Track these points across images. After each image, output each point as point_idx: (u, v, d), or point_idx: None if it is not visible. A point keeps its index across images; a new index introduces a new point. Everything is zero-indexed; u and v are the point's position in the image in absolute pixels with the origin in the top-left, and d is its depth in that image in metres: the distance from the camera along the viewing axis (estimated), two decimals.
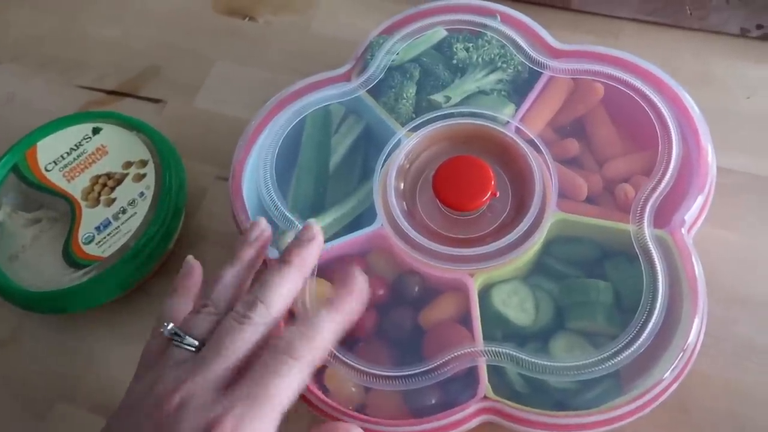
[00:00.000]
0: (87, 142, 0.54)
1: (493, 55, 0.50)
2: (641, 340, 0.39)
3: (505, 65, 0.50)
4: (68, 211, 0.52)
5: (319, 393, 0.41)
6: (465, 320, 0.43)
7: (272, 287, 0.36)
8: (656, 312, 0.40)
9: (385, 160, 0.47)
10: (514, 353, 0.40)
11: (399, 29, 0.52)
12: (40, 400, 0.50)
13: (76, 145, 0.54)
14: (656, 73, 0.47)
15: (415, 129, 0.48)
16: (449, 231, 0.46)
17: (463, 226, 0.46)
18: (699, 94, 0.47)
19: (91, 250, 0.50)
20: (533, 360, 0.40)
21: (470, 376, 0.41)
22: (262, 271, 0.39)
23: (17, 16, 0.69)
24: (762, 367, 0.45)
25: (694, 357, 0.41)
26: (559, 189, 0.45)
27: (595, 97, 0.49)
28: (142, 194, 0.51)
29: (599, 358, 0.39)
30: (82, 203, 0.52)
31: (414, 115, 0.49)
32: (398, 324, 0.44)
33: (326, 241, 0.46)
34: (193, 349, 0.35)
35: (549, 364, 0.40)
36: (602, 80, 0.48)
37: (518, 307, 0.43)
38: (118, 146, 0.54)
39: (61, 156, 0.54)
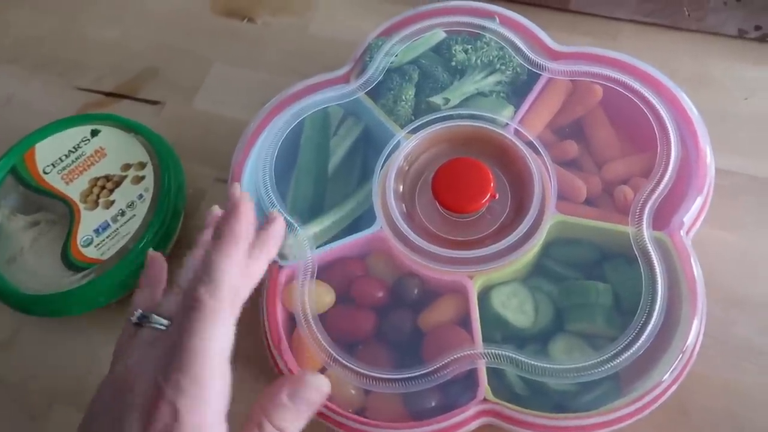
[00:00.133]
0: (85, 144, 0.54)
1: (491, 57, 0.50)
2: (640, 341, 0.39)
3: (503, 67, 0.50)
4: (67, 213, 0.51)
5: None
6: (464, 322, 0.43)
7: (217, 263, 0.34)
8: (655, 314, 0.40)
9: (384, 162, 0.47)
10: (514, 355, 0.40)
11: (398, 31, 0.52)
12: (38, 402, 0.50)
13: (74, 148, 0.54)
14: (655, 74, 0.48)
15: (414, 131, 0.48)
16: (448, 233, 0.46)
17: (462, 228, 0.46)
18: (697, 96, 0.47)
19: (90, 252, 0.50)
20: (533, 362, 0.40)
21: (470, 378, 0.41)
22: None
23: (16, 17, 0.69)
24: (761, 368, 0.45)
25: (693, 358, 0.41)
26: (558, 191, 0.45)
27: (594, 99, 0.49)
28: (140, 196, 0.51)
29: (599, 360, 0.39)
30: (81, 206, 0.52)
31: (413, 117, 0.49)
32: (398, 326, 0.44)
33: (325, 243, 0.46)
34: (164, 327, 0.35)
35: (548, 366, 0.40)
36: (601, 82, 0.48)
37: (517, 309, 0.43)
38: (116, 148, 0.54)
39: (60, 158, 0.54)
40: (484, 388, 0.40)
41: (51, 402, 0.49)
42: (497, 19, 0.51)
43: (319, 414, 0.41)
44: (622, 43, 0.58)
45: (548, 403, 0.41)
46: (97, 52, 0.65)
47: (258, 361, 0.45)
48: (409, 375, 0.40)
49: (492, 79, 0.50)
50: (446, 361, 0.40)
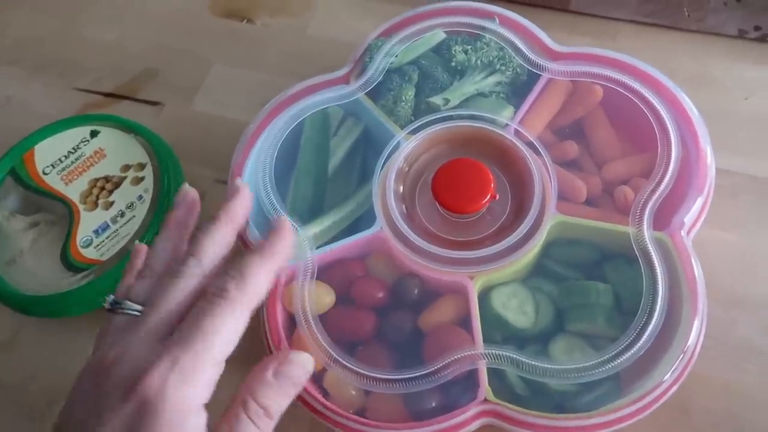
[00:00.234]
0: (85, 145, 0.54)
1: (491, 58, 0.50)
2: (641, 342, 0.39)
3: (503, 67, 0.50)
4: (66, 214, 0.51)
5: (319, 396, 0.41)
6: (465, 323, 0.43)
7: (200, 240, 0.36)
8: (656, 314, 0.40)
9: (384, 163, 0.47)
10: (514, 356, 0.40)
11: (397, 32, 0.52)
12: (37, 403, 0.50)
13: (74, 148, 0.54)
14: (655, 75, 0.48)
15: (414, 131, 0.48)
16: (449, 234, 0.46)
17: (462, 228, 0.46)
18: (697, 96, 0.47)
19: (90, 253, 0.50)
20: (533, 362, 0.40)
21: (470, 378, 0.41)
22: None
23: (15, 17, 0.69)
24: (761, 368, 0.45)
25: (694, 359, 0.41)
26: (558, 191, 0.45)
27: (594, 99, 0.49)
28: (140, 197, 0.51)
29: (599, 360, 0.39)
30: (80, 206, 0.52)
31: (413, 118, 0.49)
32: (398, 327, 0.44)
33: (325, 244, 0.46)
34: (137, 312, 0.35)
35: (549, 366, 0.40)
36: (601, 82, 0.48)
37: (518, 309, 0.43)
38: (116, 149, 0.54)
39: (59, 159, 0.54)
40: (485, 388, 0.40)
41: (50, 403, 0.49)
42: (497, 19, 0.51)
43: (320, 414, 0.41)
44: (622, 44, 0.58)
45: (549, 404, 0.41)
46: (97, 53, 0.65)
47: (258, 361, 0.44)
48: (410, 375, 0.40)
49: (492, 79, 0.50)
50: (447, 361, 0.40)
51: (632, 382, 0.40)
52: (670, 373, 0.40)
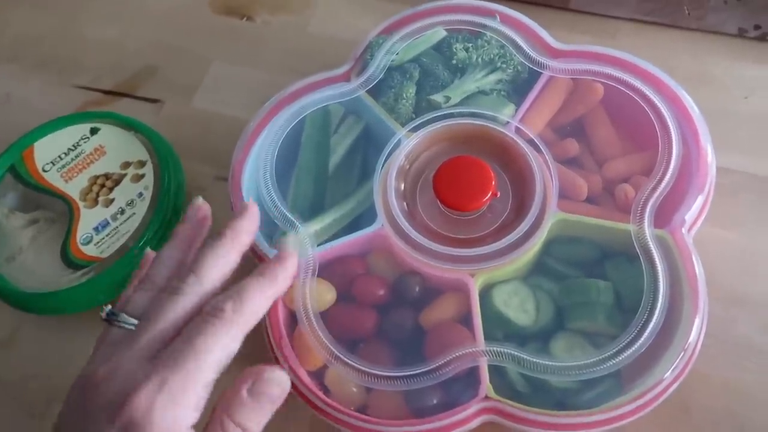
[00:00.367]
0: (85, 142, 0.54)
1: (492, 56, 0.50)
2: (642, 339, 0.39)
3: (504, 65, 0.50)
4: (66, 211, 0.51)
5: (320, 393, 0.41)
6: (466, 320, 0.43)
7: (203, 258, 0.35)
8: (657, 312, 0.40)
9: (385, 161, 0.47)
10: (515, 353, 0.40)
11: (398, 29, 0.52)
12: (37, 400, 0.49)
13: (73, 146, 0.54)
14: (656, 73, 0.48)
15: (415, 129, 0.48)
16: (450, 231, 0.46)
17: (463, 226, 0.46)
18: (697, 94, 0.47)
19: (90, 250, 0.50)
20: (534, 360, 0.40)
21: (471, 376, 0.41)
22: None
23: (15, 15, 0.69)
24: (761, 366, 0.45)
25: (694, 357, 0.41)
26: (559, 189, 0.45)
27: (595, 98, 0.49)
28: (140, 195, 0.51)
29: (600, 357, 0.39)
30: (80, 204, 0.51)
31: (414, 116, 0.49)
32: (399, 324, 0.44)
33: (326, 241, 0.46)
34: (132, 327, 0.34)
35: (550, 363, 0.40)
36: (602, 80, 0.48)
37: (519, 307, 0.43)
38: (116, 146, 0.54)
39: (59, 156, 0.53)
40: (486, 385, 0.40)
41: (50, 400, 0.49)
42: (498, 17, 0.51)
43: (321, 411, 0.41)
44: (622, 42, 0.58)
45: (550, 401, 0.41)
46: (96, 51, 0.65)
47: (259, 359, 0.44)
48: (411, 373, 0.40)
49: (493, 77, 0.50)
50: (448, 358, 0.40)
51: (633, 379, 0.40)
52: (670, 371, 0.40)
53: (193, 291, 0.34)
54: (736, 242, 0.49)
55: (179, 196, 0.52)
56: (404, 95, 0.49)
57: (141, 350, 0.32)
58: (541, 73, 0.49)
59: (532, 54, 0.49)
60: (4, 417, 0.49)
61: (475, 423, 0.41)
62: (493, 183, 0.44)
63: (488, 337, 0.42)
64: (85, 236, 0.50)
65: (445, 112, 0.48)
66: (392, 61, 0.51)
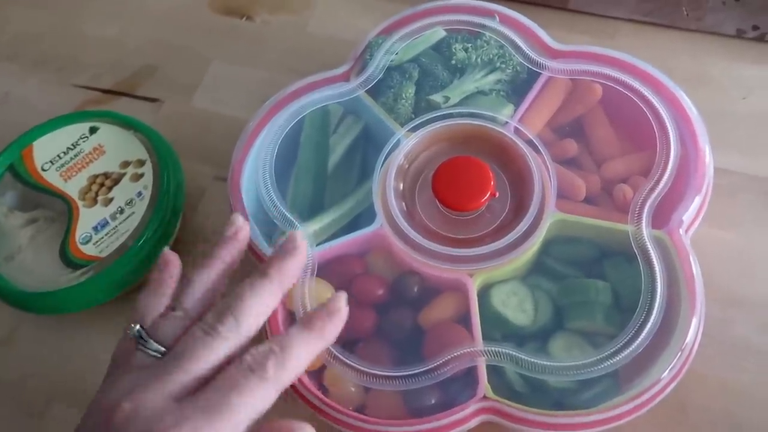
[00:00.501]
0: (84, 141, 0.54)
1: (491, 56, 0.50)
2: (640, 339, 0.39)
3: (503, 66, 0.50)
4: (65, 210, 0.51)
5: (319, 393, 0.41)
6: (464, 320, 0.43)
7: (245, 300, 0.34)
8: (654, 312, 0.40)
9: (384, 160, 0.47)
10: (514, 353, 0.40)
11: (398, 29, 0.52)
12: (36, 400, 0.49)
13: (73, 145, 0.54)
14: (654, 74, 0.48)
15: (414, 129, 0.48)
16: (448, 231, 0.46)
17: (462, 226, 0.46)
18: (695, 95, 0.47)
19: (89, 250, 0.50)
20: (532, 360, 0.40)
21: (470, 376, 0.41)
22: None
23: (14, 13, 0.69)
24: (758, 367, 0.45)
25: (691, 357, 0.41)
26: (557, 189, 0.45)
27: (594, 98, 0.49)
28: (139, 194, 0.51)
29: (598, 357, 0.39)
30: (80, 203, 0.51)
31: (413, 116, 0.49)
32: (398, 324, 0.44)
33: (325, 241, 0.46)
34: (159, 354, 0.33)
35: (548, 363, 0.40)
36: (601, 81, 0.48)
37: (517, 307, 0.43)
38: (115, 146, 0.54)
39: (58, 155, 0.53)
40: (484, 385, 0.40)
41: (49, 399, 0.49)
42: (497, 17, 0.52)
43: (319, 411, 0.41)
44: (621, 42, 0.58)
45: (548, 401, 0.41)
46: (96, 49, 0.65)
47: None
48: (409, 372, 0.40)
49: (492, 77, 0.50)
50: (446, 358, 0.40)
51: (630, 379, 0.41)
52: (668, 371, 0.40)
53: (231, 336, 0.33)
54: (733, 243, 0.49)
55: (178, 195, 0.52)
56: (403, 95, 0.49)
57: (170, 390, 0.31)
58: (540, 73, 0.49)
59: (531, 54, 0.50)
60: (2, 416, 0.49)
61: (473, 423, 0.41)
62: (492, 183, 0.44)
63: (486, 337, 0.42)
64: (84, 235, 0.50)
65: (444, 112, 0.48)
66: (391, 61, 0.51)
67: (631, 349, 0.39)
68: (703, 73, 0.56)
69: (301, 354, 0.33)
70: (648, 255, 0.42)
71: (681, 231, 0.43)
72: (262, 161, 0.48)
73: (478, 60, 0.50)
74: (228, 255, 0.37)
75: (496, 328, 0.43)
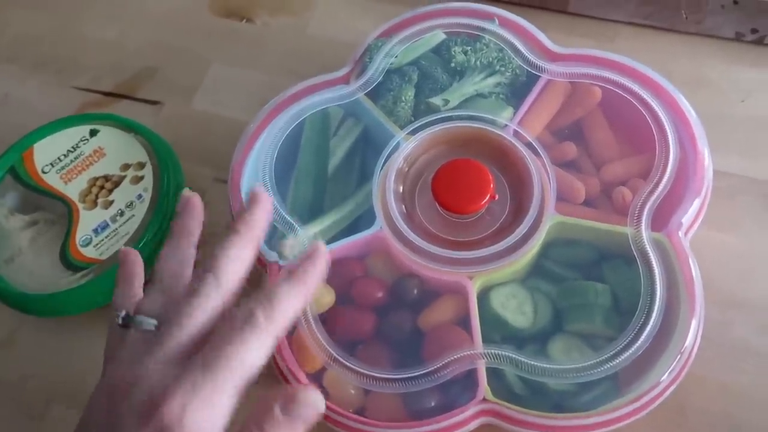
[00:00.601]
0: (84, 144, 0.54)
1: (491, 59, 0.50)
2: (639, 342, 0.40)
3: (503, 68, 0.50)
4: (65, 213, 0.51)
5: None
6: (464, 323, 0.43)
7: (220, 257, 0.34)
8: (654, 314, 0.40)
9: (384, 163, 0.47)
10: (513, 355, 0.40)
11: (397, 32, 0.52)
12: (36, 402, 0.49)
13: (73, 147, 0.54)
14: (653, 77, 0.48)
15: (414, 132, 0.48)
16: (448, 234, 0.46)
17: (461, 229, 0.46)
18: (694, 98, 0.48)
19: (89, 252, 0.50)
20: (532, 362, 0.40)
21: (469, 378, 0.41)
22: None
23: (14, 15, 0.69)
24: (757, 369, 0.45)
25: (691, 359, 0.41)
26: (557, 192, 0.45)
27: (593, 101, 0.49)
28: (140, 196, 0.51)
29: (597, 360, 0.40)
30: (80, 205, 0.52)
31: (413, 118, 0.49)
32: (397, 327, 0.44)
33: (325, 243, 0.46)
34: (152, 328, 0.33)
35: (548, 366, 0.40)
36: (600, 84, 0.48)
37: (517, 309, 0.43)
38: (115, 148, 0.54)
39: (59, 158, 0.53)
40: (484, 388, 0.41)
41: (49, 401, 0.49)
42: (497, 20, 0.52)
43: None
44: (620, 45, 0.58)
45: (547, 403, 0.41)
46: (95, 52, 0.65)
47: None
48: (409, 375, 0.40)
49: (491, 80, 0.50)
50: (446, 361, 0.40)
51: (630, 382, 0.41)
52: (667, 374, 0.40)
53: (212, 292, 0.33)
54: (732, 245, 0.49)
55: (179, 197, 0.52)
56: (403, 98, 0.49)
57: (167, 355, 0.32)
58: (540, 76, 0.49)
59: (531, 57, 0.50)
60: (2, 417, 0.49)
61: (472, 425, 0.41)
62: (492, 186, 0.44)
63: (486, 340, 0.42)
64: (84, 238, 0.50)
65: (444, 115, 0.49)
66: (391, 63, 0.51)
67: (630, 351, 0.39)
68: (702, 76, 0.56)
69: (289, 300, 0.33)
70: (647, 257, 0.42)
71: (680, 233, 0.43)
72: (263, 164, 0.48)
73: (478, 63, 0.50)
74: (186, 226, 0.38)
75: (496, 330, 0.43)
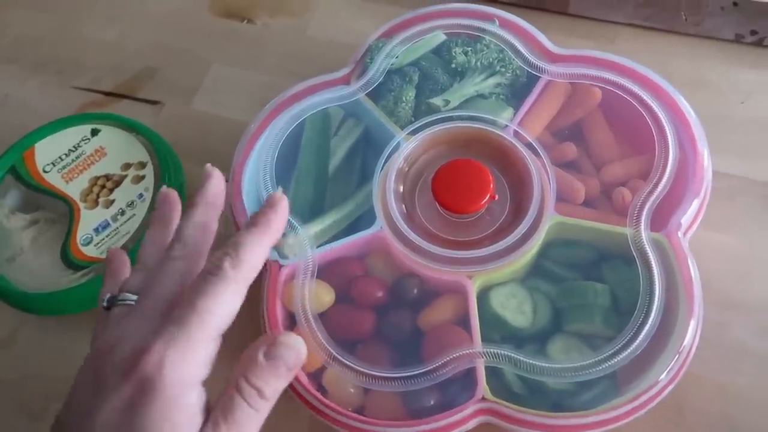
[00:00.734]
0: (85, 143, 0.54)
1: (491, 59, 0.50)
2: (638, 342, 0.40)
3: (503, 69, 0.50)
4: (66, 212, 0.52)
5: (318, 394, 0.41)
6: (463, 322, 0.43)
7: (183, 228, 0.37)
8: (653, 314, 0.40)
9: (384, 163, 0.48)
10: (512, 355, 0.41)
11: (398, 33, 0.52)
12: (37, 401, 0.50)
13: (74, 147, 0.54)
14: (653, 78, 0.48)
15: (414, 132, 0.48)
16: (448, 234, 0.46)
17: (461, 228, 0.46)
18: (694, 99, 0.48)
19: (90, 251, 0.50)
20: (531, 361, 0.40)
21: (468, 377, 0.41)
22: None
23: (14, 16, 0.69)
24: (756, 370, 0.45)
25: (689, 360, 0.41)
26: (557, 192, 0.45)
27: (593, 102, 0.49)
28: (140, 196, 0.52)
29: (596, 359, 0.40)
30: (81, 205, 0.52)
31: (413, 119, 0.50)
32: (397, 326, 0.44)
33: (326, 243, 0.46)
34: (132, 302, 0.35)
35: (547, 365, 0.40)
36: (600, 84, 0.48)
37: (516, 309, 0.44)
38: (116, 148, 0.54)
39: (60, 157, 0.54)
40: (483, 387, 0.41)
41: (49, 400, 0.49)
42: (497, 21, 0.52)
43: (318, 412, 0.41)
44: (620, 47, 0.58)
45: (546, 402, 0.41)
46: (95, 52, 0.65)
47: None
48: (409, 374, 0.40)
49: (492, 81, 0.50)
50: (445, 360, 0.41)
51: (628, 381, 0.41)
52: (665, 374, 0.40)
53: (180, 255, 0.35)
54: (731, 246, 0.49)
55: (179, 197, 0.52)
56: (403, 98, 0.50)
57: (144, 316, 0.34)
58: (540, 77, 0.49)
59: (531, 58, 0.50)
60: (2, 417, 0.49)
61: (471, 424, 0.41)
62: (492, 186, 0.44)
63: (485, 339, 0.42)
64: (85, 237, 0.50)
65: (444, 116, 0.49)
66: (392, 64, 0.51)
67: (629, 351, 0.39)
68: (702, 78, 0.56)
69: (254, 248, 0.35)
70: (646, 258, 0.42)
71: (679, 234, 0.43)
72: (263, 164, 0.48)
73: (478, 63, 0.50)
74: (164, 215, 0.40)
75: (495, 329, 0.43)
